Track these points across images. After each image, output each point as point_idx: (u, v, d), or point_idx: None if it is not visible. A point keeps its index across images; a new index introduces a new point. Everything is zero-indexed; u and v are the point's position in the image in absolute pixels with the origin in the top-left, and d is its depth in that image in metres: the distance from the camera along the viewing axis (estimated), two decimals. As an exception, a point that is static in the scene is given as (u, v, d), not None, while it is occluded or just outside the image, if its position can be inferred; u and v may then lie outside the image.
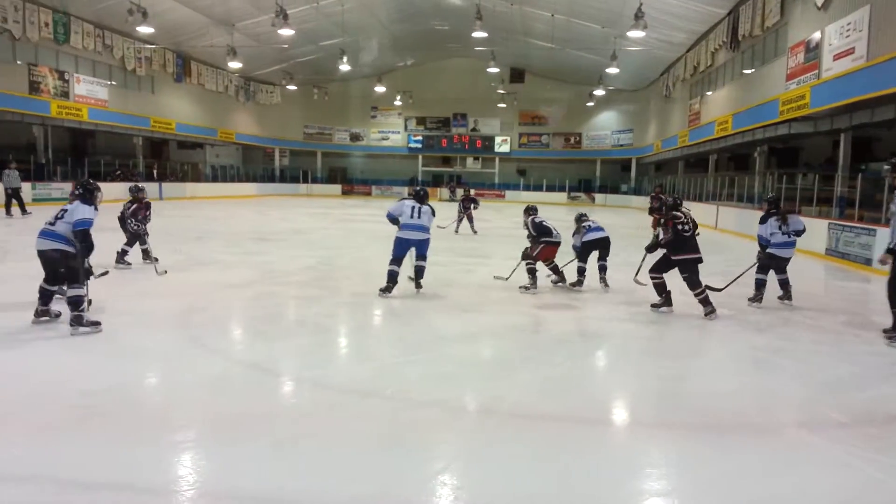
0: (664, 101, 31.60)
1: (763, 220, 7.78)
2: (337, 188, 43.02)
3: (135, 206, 9.10)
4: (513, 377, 4.83)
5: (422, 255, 7.77)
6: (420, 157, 43.80)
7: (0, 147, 23.48)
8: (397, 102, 41.94)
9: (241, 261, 10.48)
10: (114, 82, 27.24)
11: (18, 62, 22.46)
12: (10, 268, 9.20)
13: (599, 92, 34.91)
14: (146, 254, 9.17)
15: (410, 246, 7.62)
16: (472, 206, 16.60)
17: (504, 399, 4.34)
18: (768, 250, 7.66)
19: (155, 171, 30.56)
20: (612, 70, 26.44)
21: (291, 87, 37.54)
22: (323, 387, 4.52)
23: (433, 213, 7.80)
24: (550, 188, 40.65)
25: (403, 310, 7.30)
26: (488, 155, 43.08)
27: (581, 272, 8.42)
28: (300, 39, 28.45)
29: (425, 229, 7.66)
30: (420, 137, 43.57)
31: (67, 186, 23.53)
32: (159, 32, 24.68)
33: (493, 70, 32.23)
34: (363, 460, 3.35)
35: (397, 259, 7.57)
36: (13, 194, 17.22)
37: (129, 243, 9.08)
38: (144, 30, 21.78)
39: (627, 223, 22.92)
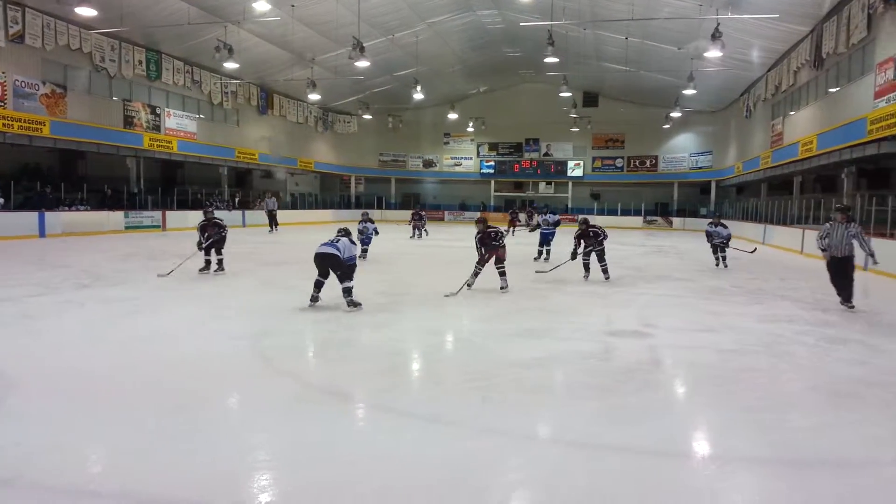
0: (745, 121, 30.61)
1: None
2: (409, 214, 43.55)
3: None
4: (579, 406, 4.74)
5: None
6: (492, 182, 43.96)
7: (98, 178, 25.16)
8: (470, 129, 42.38)
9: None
10: (202, 116, 28.79)
11: (114, 98, 24.10)
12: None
13: (676, 114, 34.21)
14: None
15: None
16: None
17: (570, 428, 4.26)
18: None
19: (236, 200, 31.86)
20: (689, 91, 25.92)
21: (367, 117, 38.54)
22: (386, 411, 4.57)
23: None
24: (626, 212, 39.90)
25: (472, 335, 7.32)
26: (561, 179, 42.78)
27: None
28: (376, 70, 29.23)
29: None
30: (492, 163, 43.78)
31: (158, 215, 24.89)
32: (244, 67, 25.97)
33: (566, 94, 32.10)
34: (424, 488, 3.36)
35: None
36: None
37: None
38: (230, 65, 23.01)
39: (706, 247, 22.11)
